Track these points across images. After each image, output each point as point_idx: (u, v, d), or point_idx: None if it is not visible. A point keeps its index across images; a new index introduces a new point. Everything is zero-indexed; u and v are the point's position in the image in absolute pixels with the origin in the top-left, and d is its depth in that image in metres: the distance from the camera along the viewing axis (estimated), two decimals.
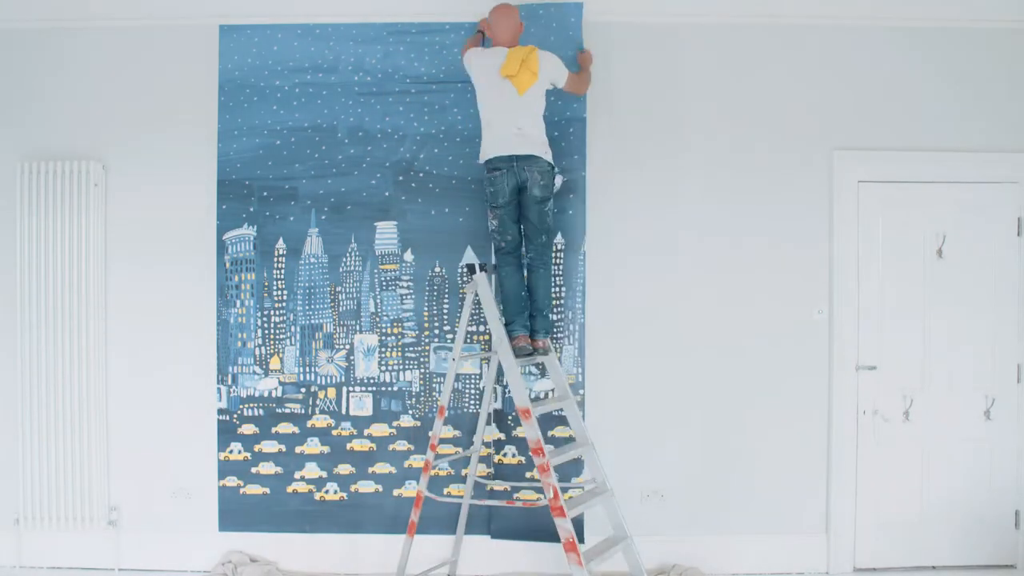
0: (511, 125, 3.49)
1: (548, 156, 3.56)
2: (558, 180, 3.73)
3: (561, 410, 3.76)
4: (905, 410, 4.00)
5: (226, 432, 4.00)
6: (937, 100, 4.01)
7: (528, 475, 3.92)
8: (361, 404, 4.00)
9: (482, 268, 3.56)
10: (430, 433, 3.65)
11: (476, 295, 3.60)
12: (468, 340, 3.97)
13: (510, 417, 3.95)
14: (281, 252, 4.01)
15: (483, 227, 3.96)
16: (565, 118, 3.92)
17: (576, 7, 3.93)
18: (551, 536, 3.57)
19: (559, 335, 3.95)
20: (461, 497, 3.84)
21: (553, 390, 3.92)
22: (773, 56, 4.00)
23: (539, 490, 3.84)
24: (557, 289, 3.96)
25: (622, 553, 3.43)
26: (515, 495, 3.91)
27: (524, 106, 3.51)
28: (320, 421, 4.00)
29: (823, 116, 4.00)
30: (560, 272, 3.95)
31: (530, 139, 3.50)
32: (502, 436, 3.96)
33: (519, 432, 3.92)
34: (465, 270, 3.71)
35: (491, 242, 3.73)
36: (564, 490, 3.43)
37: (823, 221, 4.00)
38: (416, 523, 3.63)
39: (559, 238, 3.95)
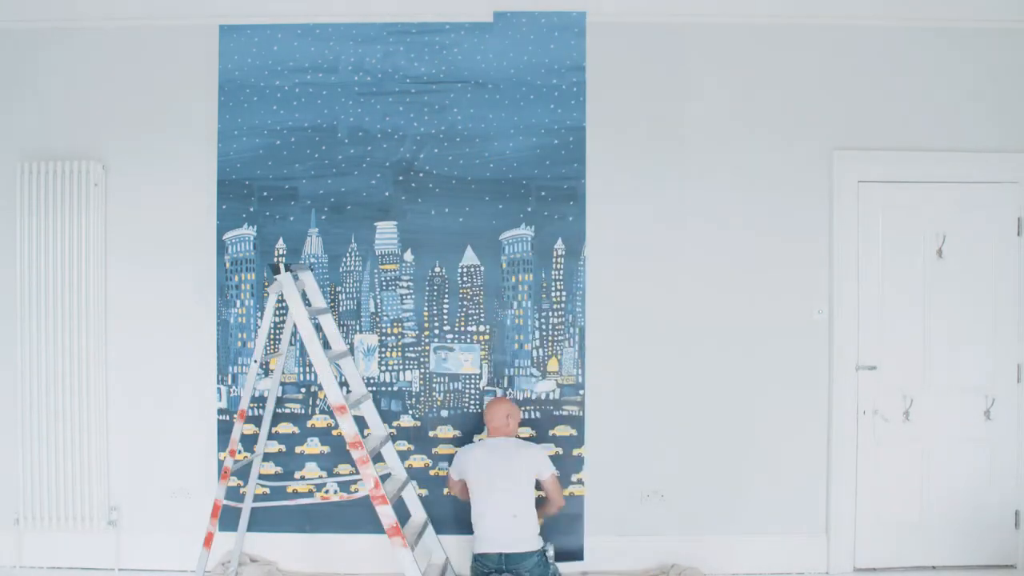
0: (498, 523, 3.43)
1: (539, 544, 3.49)
2: (551, 551, 3.57)
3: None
4: (905, 410, 4.00)
5: (226, 432, 3.99)
6: (937, 100, 4.01)
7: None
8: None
9: (287, 268, 3.41)
10: (231, 437, 3.51)
11: (281, 295, 3.48)
12: (470, 340, 3.98)
13: None
14: (281, 252, 4.01)
15: (483, 227, 3.96)
16: (565, 126, 3.93)
17: (579, 16, 3.93)
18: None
19: (559, 338, 3.95)
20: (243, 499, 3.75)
21: (553, 391, 3.93)
22: (773, 56, 4.00)
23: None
24: (557, 293, 3.97)
25: (425, 538, 3.69)
26: (320, 491, 3.98)
27: (506, 502, 3.45)
28: (320, 421, 4.00)
29: (823, 116, 4.00)
30: (560, 277, 3.96)
31: (524, 531, 3.44)
32: None
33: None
34: (268, 270, 3.63)
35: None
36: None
37: (823, 221, 4.00)
38: (213, 534, 3.49)
39: (559, 243, 3.95)
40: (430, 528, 3.75)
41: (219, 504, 3.49)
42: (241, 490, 3.89)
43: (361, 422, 3.73)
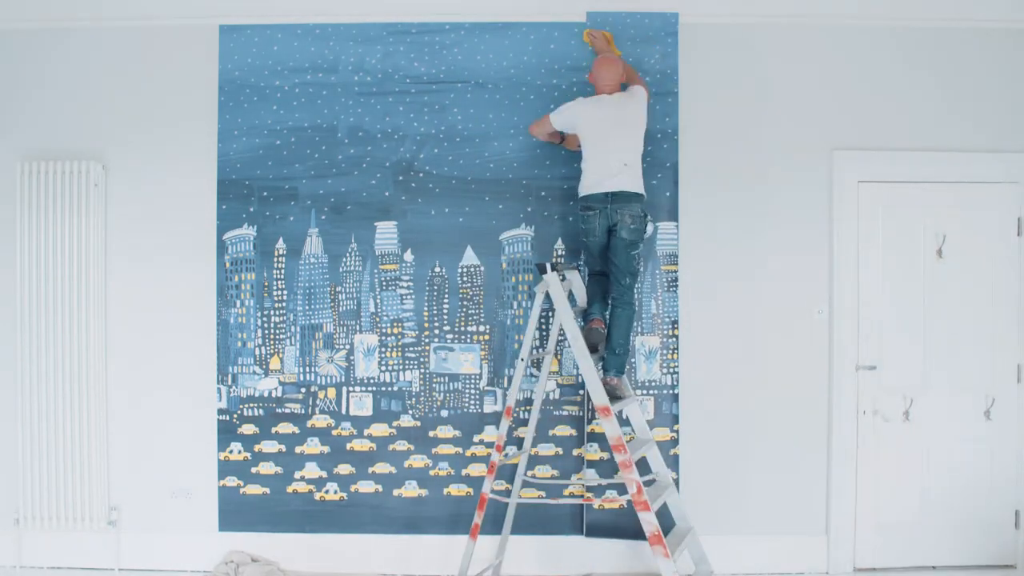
0: (612, 166, 3.52)
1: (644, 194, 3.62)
2: (650, 227, 3.74)
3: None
4: (905, 410, 4.00)
5: (226, 432, 4.00)
6: (937, 100, 4.00)
7: (576, 476, 3.93)
8: (361, 404, 4.00)
9: (553, 268, 3.50)
10: (496, 434, 3.63)
11: (547, 294, 3.55)
12: (469, 340, 3.98)
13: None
14: (281, 252, 4.01)
15: (483, 227, 3.97)
16: None
17: (671, 17, 3.95)
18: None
19: (560, 337, 3.95)
20: (516, 497, 3.76)
21: (553, 391, 3.93)
22: (773, 56, 4.00)
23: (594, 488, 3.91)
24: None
25: (687, 546, 3.52)
26: (563, 491, 3.94)
27: (619, 149, 3.56)
28: (320, 421, 4.00)
29: (823, 116, 4.00)
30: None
31: (630, 174, 3.54)
32: (503, 436, 3.96)
33: (519, 433, 3.91)
34: (535, 269, 3.71)
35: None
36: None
37: (823, 221, 4.00)
38: (480, 525, 3.61)
39: (559, 243, 3.96)
40: (694, 535, 3.61)
41: (486, 497, 3.57)
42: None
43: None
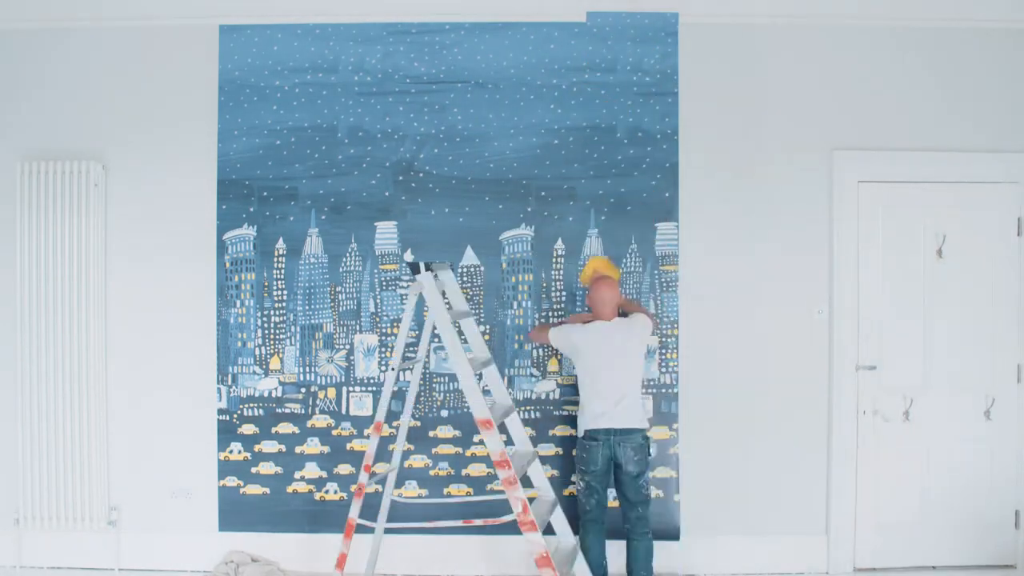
0: (611, 399, 3.48)
1: (647, 424, 3.61)
2: (653, 450, 3.67)
3: None
4: (905, 410, 4.00)
5: (226, 432, 4.00)
6: (937, 100, 4.00)
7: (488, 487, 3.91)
8: (361, 404, 4.00)
9: (427, 267, 3.21)
10: (366, 451, 3.34)
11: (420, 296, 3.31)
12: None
13: None
14: (281, 252, 4.01)
15: (483, 227, 3.96)
16: (565, 126, 3.95)
17: (671, 17, 3.94)
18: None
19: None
20: (384, 522, 3.56)
21: (553, 391, 3.93)
22: (773, 56, 4.00)
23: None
24: (557, 293, 3.97)
25: (577, 563, 3.38)
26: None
27: (624, 373, 3.53)
28: (320, 421, 4.00)
29: (823, 116, 4.00)
30: (560, 277, 3.97)
31: (630, 411, 3.51)
32: (503, 437, 3.94)
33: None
34: (408, 269, 3.38)
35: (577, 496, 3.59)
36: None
37: (823, 221, 3.99)
38: (347, 555, 3.37)
39: (559, 243, 3.96)
40: (580, 555, 3.43)
41: (352, 523, 3.36)
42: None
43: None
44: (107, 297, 3.99)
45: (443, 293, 3.36)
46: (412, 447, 3.98)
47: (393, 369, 3.30)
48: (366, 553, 3.61)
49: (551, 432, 3.95)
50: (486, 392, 3.42)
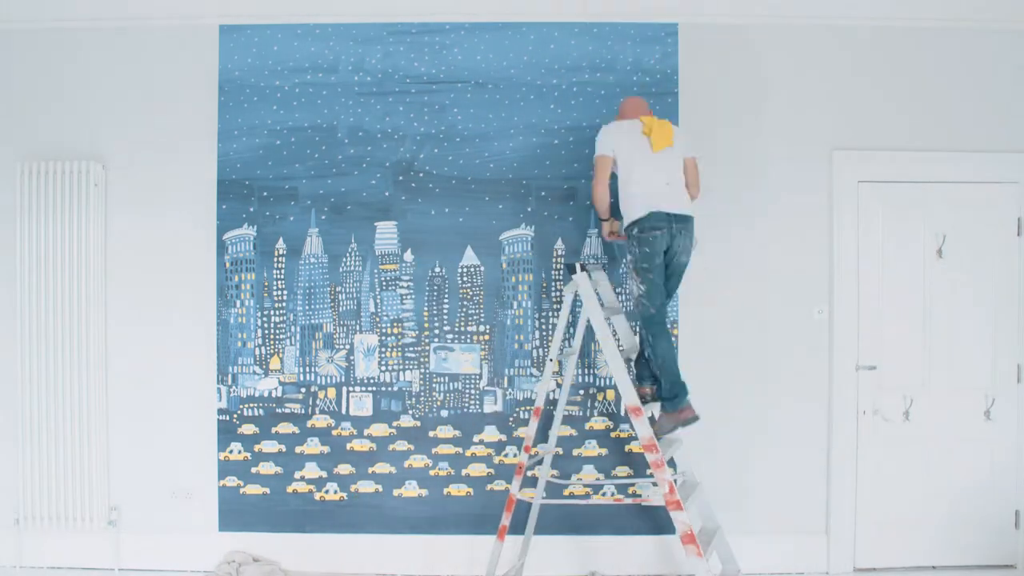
0: (659, 180, 3.38)
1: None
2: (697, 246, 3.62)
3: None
4: (905, 410, 4.00)
5: (226, 432, 4.00)
6: (937, 100, 4.00)
7: (577, 476, 3.95)
8: (361, 404, 4.00)
9: (582, 268, 3.44)
10: (525, 433, 3.63)
11: (576, 295, 3.53)
12: (469, 340, 3.98)
13: (511, 419, 3.96)
14: (281, 252, 4.01)
15: (483, 227, 3.96)
16: (565, 126, 3.94)
17: (670, 28, 3.96)
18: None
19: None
20: (532, 498, 3.76)
21: (553, 391, 3.93)
22: (773, 56, 4.00)
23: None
24: (557, 293, 3.97)
25: (715, 546, 3.48)
26: (599, 493, 3.95)
27: (667, 164, 3.42)
28: (320, 421, 4.00)
29: (823, 116, 4.00)
30: (560, 277, 3.97)
31: (681, 196, 3.42)
32: (503, 437, 3.97)
33: (519, 433, 3.92)
34: (565, 269, 3.58)
35: (637, 306, 3.45)
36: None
37: (823, 221, 3.99)
38: (507, 527, 3.62)
39: (559, 243, 3.96)
40: (721, 535, 3.56)
41: (513, 498, 3.59)
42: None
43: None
44: (107, 297, 3.99)
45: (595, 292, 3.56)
46: (412, 447, 3.98)
47: (552, 360, 3.61)
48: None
49: (551, 432, 3.95)
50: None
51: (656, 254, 3.35)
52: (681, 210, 3.39)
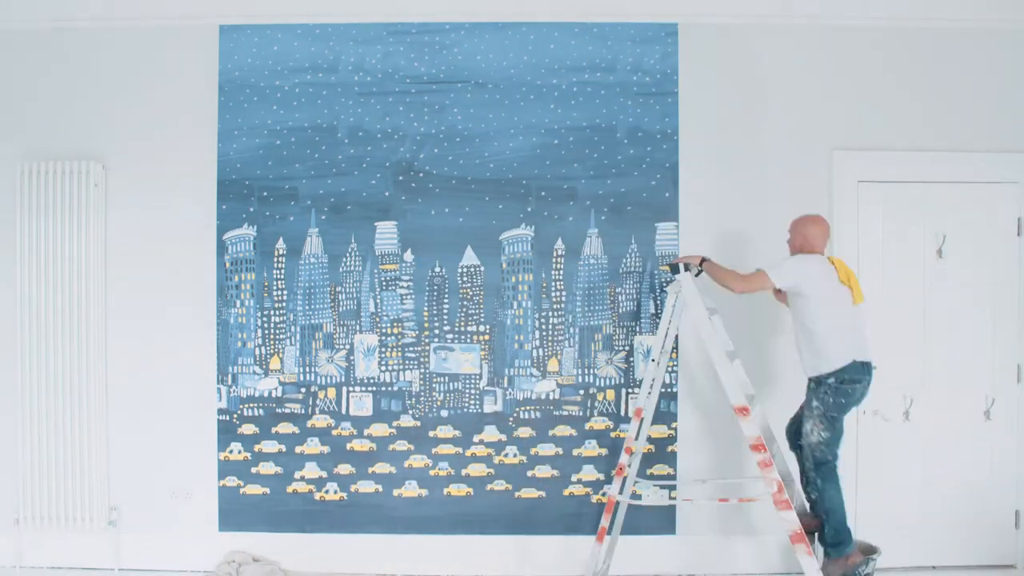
0: (861, 335, 3.40)
1: None
2: None
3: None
4: (905, 410, 4.00)
5: (226, 432, 4.00)
6: (936, 100, 4.00)
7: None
8: (361, 404, 4.00)
9: (685, 268, 3.48)
10: (625, 433, 3.67)
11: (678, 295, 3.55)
12: (469, 340, 3.98)
13: (511, 419, 3.96)
14: (281, 252, 4.02)
15: (483, 227, 3.96)
16: (565, 126, 3.95)
17: (670, 28, 3.96)
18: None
19: (560, 337, 3.96)
20: (638, 497, 3.81)
21: (553, 391, 3.93)
22: (773, 56, 4.00)
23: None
24: (557, 293, 3.97)
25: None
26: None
27: (863, 318, 3.45)
28: (320, 421, 4.00)
29: (823, 116, 4.00)
30: (560, 277, 3.97)
31: (870, 349, 3.43)
32: (503, 437, 3.97)
33: (519, 433, 3.92)
34: (669, 269, 3.60)
35: (814, 450, 3.44)
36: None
37: None
38: (607, 528, 3.64)
39: (559, 243, 3.96)
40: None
41: (613, 500, 3.61)
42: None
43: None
44: (107, 297, 3.99)
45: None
46: (412, 447, 3.98)
47: (654, 360, 3.64)
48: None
49: (551, 432, 3.95)
50: None
51: (851, 405, 3.40)
52: (872, 360, 3.41)
